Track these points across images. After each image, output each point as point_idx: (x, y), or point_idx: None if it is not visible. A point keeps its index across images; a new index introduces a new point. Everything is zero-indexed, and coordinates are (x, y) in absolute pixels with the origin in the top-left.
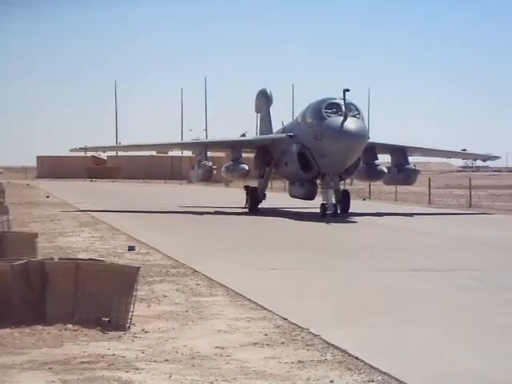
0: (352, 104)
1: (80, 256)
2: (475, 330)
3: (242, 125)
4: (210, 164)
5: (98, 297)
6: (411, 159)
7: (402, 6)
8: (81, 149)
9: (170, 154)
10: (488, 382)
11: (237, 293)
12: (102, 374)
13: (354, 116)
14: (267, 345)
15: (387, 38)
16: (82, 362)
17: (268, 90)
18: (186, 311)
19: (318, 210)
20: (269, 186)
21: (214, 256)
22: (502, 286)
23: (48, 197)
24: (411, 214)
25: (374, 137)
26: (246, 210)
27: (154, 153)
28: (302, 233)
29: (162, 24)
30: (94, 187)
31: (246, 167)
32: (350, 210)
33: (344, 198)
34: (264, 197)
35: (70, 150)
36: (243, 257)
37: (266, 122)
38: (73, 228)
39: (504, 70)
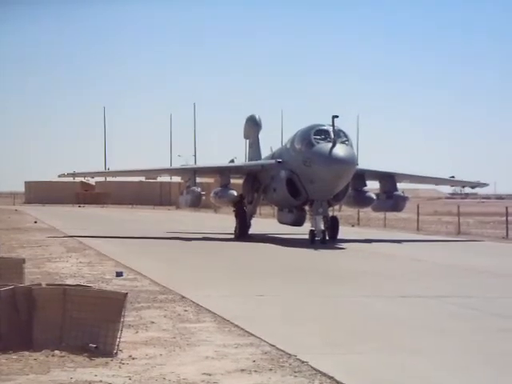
0: (341, 130)
1: (68, 282)
2: (464, 357)
3: (231, 151)
4: (199, 190)
5: (86, 323)
6: (400, 186)
7: (391, 32)
8: (69, 174)
9: (159, 179)
10: None
11: (224, 319)
12: None
13: (342, 142)
14: (255, 371)
15: (376, 65)
16: None
17: (257, 116)
18: (174, 337)
19: (307, 237)
20: (257, 211)
21: (202, 282)
22: (491, 313)
23: (36, 222)
24: (400, 241)
25: (363, 163)
26: (234, 236)
27: (142, 178)
28: (290, 259)
29: (150, 49)
30: (83, 213)
31: (235, 193)
32: (339, 237)
33: (333, 224)
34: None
35: (59, 176)
36: (231, 283)
37: (254, 148)
38: (60, 254)
39: (492, 99)
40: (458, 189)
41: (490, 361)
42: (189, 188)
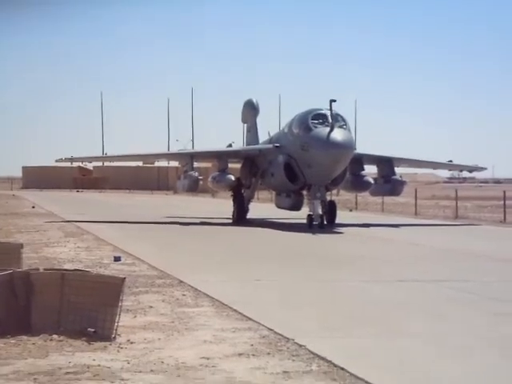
0: (338, 115)
1: (65, 266)
2: (463, 341)
3: (229, 135)
4: (197, 174)
5: (84, 307)
6: (398, 170)
7: (390, 18)
8: (67, 159)
9: (157, 164)
10: None
11: (223, 303)
12: None
13: (340, 127)
14: (253, 355)
15: (374, 49)
16: (68, 373)
17: (254, 101)
18: (172, 322)
19: (305, 221)
20: (255, 196)
21: (200, 267)
22: (488, 297)
23: (34, 207)
24: (397, 225)
25: (361, 148)
26: (232, 221)
27: (140, 163)
28: (288, 243)
29: (148, 34)
30: (80, 197)
31: (233, 178)
32: (337, 221)
33: (330, 208)
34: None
35: (56, 161)
36: (229, 267)
37: (252, 133)
38: (58, 238)
39: (491, 83)
40: (455, 173)
41: (489, 345)
42: (186, 173)
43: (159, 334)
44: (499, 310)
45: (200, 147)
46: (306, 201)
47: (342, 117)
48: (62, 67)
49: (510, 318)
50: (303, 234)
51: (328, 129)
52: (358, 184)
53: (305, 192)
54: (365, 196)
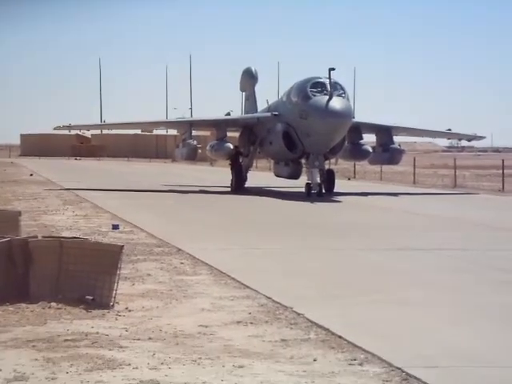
0: (337, 83)
1: (64, 234)
2: (462, 309)
3: (227, 103)
4: (195, 143)
5: (82, 275)
6: (396, 139)
7: None
8: (65, 127)
9: (155, 132)
10: (475, 362)
11: (221, 272)
12: (85, 351)
13: (339, 95)
14: (251, 323)
15: (373, 18)
16: (66, 340)
17: (253, 69)
18: (170, 290)
19: (303, 190)
20: (254, 165)
21: (199, 235)
22: (488, 266)
23: (32, 175)
24: (396, 194)
25: (360, 117)
26: (231, 189)
27: (138, 131)
28: (286, 212)
29: (146, 1)
30: (78, 165)
31: (231, 146)
32: (335, 190)
33: (329, 177)
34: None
35: (54, 128)
36: (228, 236)
37: (251, 101)
38: (57, 206)
39: (490, 51)
40: (454, 142)
41: (489, 313)
42: (185, 141)
43: (157, 302)
44: (499, 279)
45: (198, 115)
46: (304, 169)
47: (340, 85)
48: (61, 35)
49: (509, 286)
50: (301, 203)
51: (327, 97)
52: (357, 153)
53: (303, 161)
54: (363, 165)
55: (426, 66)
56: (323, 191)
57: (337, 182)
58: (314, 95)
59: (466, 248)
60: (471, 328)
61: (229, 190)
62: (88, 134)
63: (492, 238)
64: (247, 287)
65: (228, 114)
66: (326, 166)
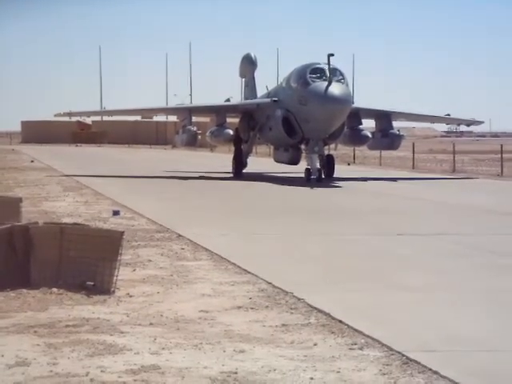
0: (336, 69)
1: (65, 220)
2: (463, 295)
3: (227, 90)
4: (195, 129)
5: (83, 261)
6: (395, 124)
7: None
8: (65, 114)
9: (155, 119)
10: (475, 346)
11: (221, 257)
12: (86, 337)
13: (338, 81)
14: (251, 308)
15: (373, 5)
16: (67, 326)
17: (252, 55)
18: (171, 275)
19: (303, 175)
20: (254, 150)
21: (199, 221)
22: (489, 251)
23: (33, 161)
24: (395, 179)
25: (359, 102)
26: (231, 175)
27: (138, 118)
28: (286, 198)
29: None
30: (79, 152)
31: (231, 132)
32: (335, 175)
33: (328, 162)
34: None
35: (55, 115)
36: (228, 221)
37: (250, 87)
38: (57, 193)
39: (488, 37)
40: (453, 127)
41: (490, 298)
42: (184, 127)
43: (158, 288)
44: (499, 263)
45: (198, 102)
46: (303, 155)
47: (339, 71)
48: (61, 22)
49: (509, 270)
50: (301, 188)
51: (326, 83)
52: (356, 138)
53: (303, 146)
54: (363, 150)
55: (424, 52)
56: (323, 176)
57: (336, 167)
58: (314, 81)
59: (466, 233)
60: (471, 313)
61: (228, 176)
62: (88, 120)
63: (493, 223)
64: (247, 272)
65: (228, 100)
66: (326, 152)
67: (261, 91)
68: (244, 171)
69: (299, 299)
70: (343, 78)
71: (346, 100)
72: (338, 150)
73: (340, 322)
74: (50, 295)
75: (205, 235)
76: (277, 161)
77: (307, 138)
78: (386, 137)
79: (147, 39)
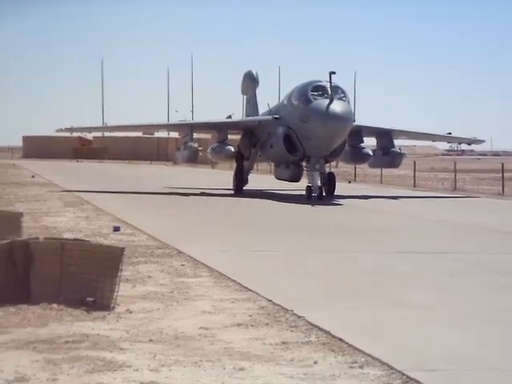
0: (338, 87)
1: (65, 236)
2: (464, 313)
3: (229, 107)
4: (196, 145)
5: (83, 277)
6: (397, 142)
7: None
8: (67, 129)
9: (156, 135)
10: (476, 365)
11: (221, 274)
12: (86, 353)
13: (339, 99)
14: (251, 326)
15: (374, 21)
16: (67, 342)
17: (254, 72)
18: (171, 292)
19: (304, 193)
20: (255, 167)
21: (199, 237)
22: (490, 269)
23: (34, 177)
24: (396, 197)
25: (360, 120)
26: (232, 192)
27: (140, 134)
28: (287, 215)
29: (148, 3)
30: (80, 168)
31: (232, 149)
32: (336, 193)
33: (329, 180)
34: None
35: (56, 131)
36: (228, 238)
37: (252, 104)
38: (58, 208)
39: (489, 56)
40: (454, 145)
41: (491, 317)
42: (186, 144)
43: (158, 304)
44: (501, 282)
45: (200, 118)
46: (305, 172)
47: (341, 89)
48: (63, 36)
49: (511, 289)
50: (302, 206)
51: (327, 101)
52: (357, 156)
53: (304, 163)
54: (364, 168)
55: (426, 71)
56: (324, 194)
57: (337, 185)
58: (315, 99)
59: (467, 251)
60: (472, 331)
61: (229, 192)
62: (90, 136)
63: (494, 241)
64: (248, 289)
65: (229, 116)
66: (327, 169)
67: (262, 108)
68: (245, 188)
69: (299, 317)
70: (345, 96)
71: (348, 118)
72: (339, 167)
73: (340, 340)
74: (49, 311)
75: (205, 251)
76: (278, 178)
77: (308, 155)
78: (387, 155)
79: (149, 55)
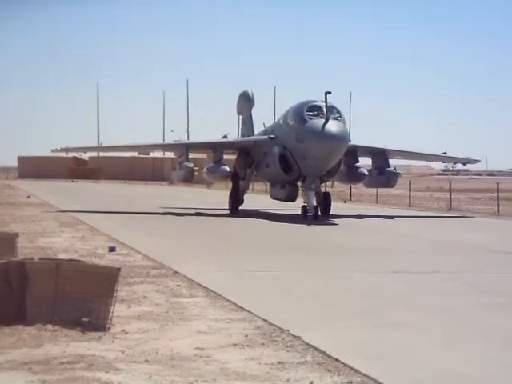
0: (333, 107)
1: (60, 256)
2: (458, 333)
3: (224, 126)
4: (192, 165)
5: (79, 297)
6: (392, 162)
7: (384, 10)
8: (62, 149)
9: (152, 155)
10: None
11: (217, 294)
12: (81, 374)
13: (335, 119)
14: (247, 346)
15: (369, 42)
16: (62, 363)
17: (250, 92)
18: (167, 312)
19: (299, 212)
20: (250, 187)
21: (195, 257)
22: (487, 289)
23: (29, 197)
24: (392, 217)
25: (356, 140)
26: (227, 212)
27: (135, 154)
28: (282, 235)
29: (144, 25)
30: (75, 188)
31: (228, 169)
32: (331, 213)
33: (325, 200)
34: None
35: (52, 151)
36: (224, 258)
37: (247, 124)
38: (54, 228)
39: (485, 75)
40: (449, 165)
41: (485, 336)
42: (181, 163)
43: (154, 325)
44: (496, 302)
45: (195, 138)
46: (300, 192)
47: (336, 109)
48: (59, 57)
49: (506, 309)
50: (298, 225)
51: (323, 121)
52: (353, 176)
53: (299, 183)
54: (359, 188)
55: (421, 91)
56: (319, 214)
57: (333, 204)
58: (311, 118)
59: (463, 271)
60: (466, 351)
61: (225, 212)
62: (85, 156)
63: (490, 261)
64: (244, 309)
65: (225, 136)
66: (323, 189)
67: (258, 128)
68: (240, 208)
69: (295, 337)
70: (340, 116)
71: (343, 137)
72: (335, 187)
73: (336, 360)
74: (44, 331)
75: (201, 272)
76: (273, 198)
77: (304, 175)
78: (383, 174)
79: (144, 75)
